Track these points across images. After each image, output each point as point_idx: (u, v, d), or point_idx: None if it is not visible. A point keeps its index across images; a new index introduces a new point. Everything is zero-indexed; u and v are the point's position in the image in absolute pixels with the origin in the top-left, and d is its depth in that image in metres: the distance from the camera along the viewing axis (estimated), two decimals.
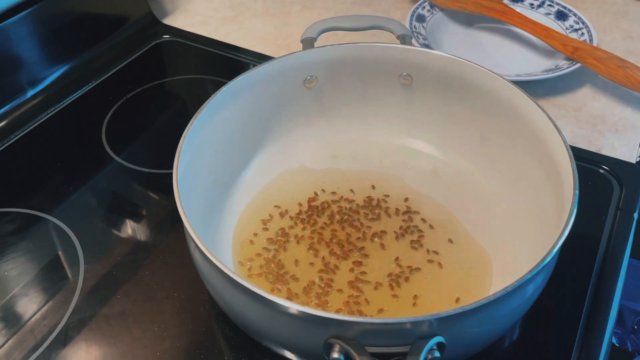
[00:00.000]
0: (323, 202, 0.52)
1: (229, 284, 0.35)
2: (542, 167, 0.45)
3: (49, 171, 0.58)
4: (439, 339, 0.33)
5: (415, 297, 0.44)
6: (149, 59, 0.74)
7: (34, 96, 0.65)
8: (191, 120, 0.45)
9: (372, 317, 0.35)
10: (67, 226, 0.52)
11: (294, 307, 0.33)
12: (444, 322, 0.33)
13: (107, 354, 0.43)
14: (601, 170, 0.56)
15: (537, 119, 0.46)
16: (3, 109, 0.63)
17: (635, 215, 0.52)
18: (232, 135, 0.51)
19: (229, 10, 0.82)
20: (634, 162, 0.57)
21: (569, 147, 0.42)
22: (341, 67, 0.53)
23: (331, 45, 0.53)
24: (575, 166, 0.40)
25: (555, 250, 0.36)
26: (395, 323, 0.32)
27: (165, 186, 0.57)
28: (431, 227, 0.49)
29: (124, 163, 0.59)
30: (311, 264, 0.47)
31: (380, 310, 0.43)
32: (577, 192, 0.39)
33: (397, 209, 0.51)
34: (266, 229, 0.50)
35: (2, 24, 0.61)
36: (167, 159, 0.59)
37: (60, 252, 0.50)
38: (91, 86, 0.69)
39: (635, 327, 0.54)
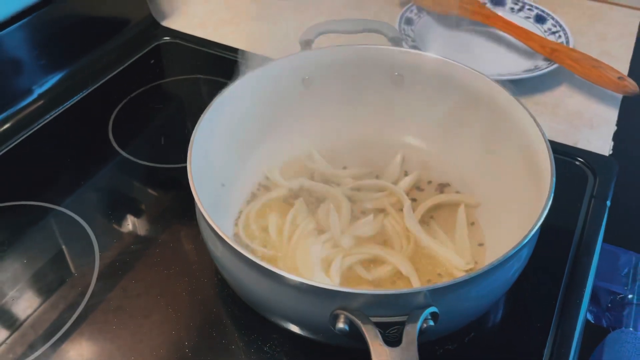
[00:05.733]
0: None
1: (241, 260, 0.39)
2: (524, 160, 0.49)
3: (60, 166, 0.61)
4: (433, 309, 0.37)
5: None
6: (151, 59, 0.77)
7: (40, 96, 0.68)
8: (199, 120, 0.48)
9: (374, 289, 0.38)
10: (79, 217, 0.55)
11: (302, 280, 0.36)
12: (437, 294, 0.36)
13: (124, 334, 0.46)
14: (577, 162, 0.61)
15: (519, 115, 0.49)
16: (13, 109, 0.65)
17: (608, 203, 0.56)
18: (235, 133, 0.54)
19: (225, 12, 0.86)
20: (607, 154, 0.62)
21: (547, 139, 0.46)
22: (338, 68, 0.57)
23: (329, 46, 0.57)
24: (552, 155, 0.44)
25: (535, 229, 0.40)
26: (395, 294, 0.36)
27: (168, 179, 0.60)
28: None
29: (130, 157, 0.62)
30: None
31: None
32: (554, 179, 0.43)
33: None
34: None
35: (10, 28, 0.64)
36: (171, 154, 0.63)
37: (74, 242, 0.53)
38: (96, 86, 0.72)
39: (610, 305, 0.59)
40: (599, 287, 0.59)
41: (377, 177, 0.57)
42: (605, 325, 0.58)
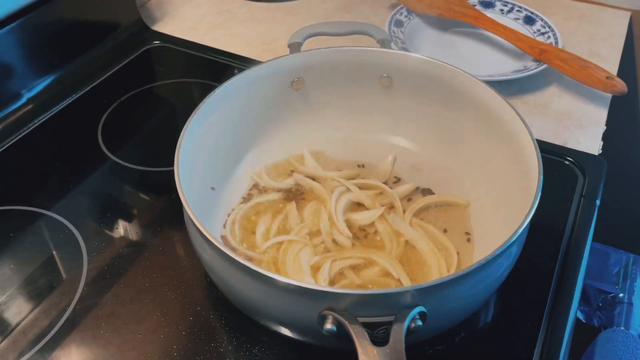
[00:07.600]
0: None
1: (229, 263, 0.39)
2: (513, 159, 0.49)
3: (49, 170, 0.61)
4: (420, 308, 0.37)
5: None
6: (141, 63, 0.77)
7: (30, 100, 0.68)
8: (186, 123, 0.48)
9: (362, 289, 0.38)
10: (68, 221, 0.55)
11: (289, 281, 0.36)
12: (424, 293, 0.36)
13: (113, 339, 0.46)
14: (566, 162, 0.61)
15: (507, 115, 0.50)
16: (1, 114, 0.65)
17: (597, 202, 0.57)
18: (225, 135, 0.54)
19: (216, 16, 0.86)
20: (596, 154, 0.62)
21: (534, 138, 0.46)
22: (327, 70, 0.57)
23: (317, 49, 0.57)
24: (539, 154, 0.44)
25: (523, 226, 0.40)
26: (382, 294, 0.36)
27: (158, 183, 0.60)
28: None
29: (120, 162, 0.62)
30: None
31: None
32: (541, 177, 0.43)
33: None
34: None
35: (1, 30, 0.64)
36: (161, 157, 0.63)
37: (63, 247, 0.53)
38: (86, 90, 0.72)
39: (600, 304, 0.59)
40: (589, 287, 0.59)
41: (368, 177, 0.57)
42: (596, 325, 0.58)
